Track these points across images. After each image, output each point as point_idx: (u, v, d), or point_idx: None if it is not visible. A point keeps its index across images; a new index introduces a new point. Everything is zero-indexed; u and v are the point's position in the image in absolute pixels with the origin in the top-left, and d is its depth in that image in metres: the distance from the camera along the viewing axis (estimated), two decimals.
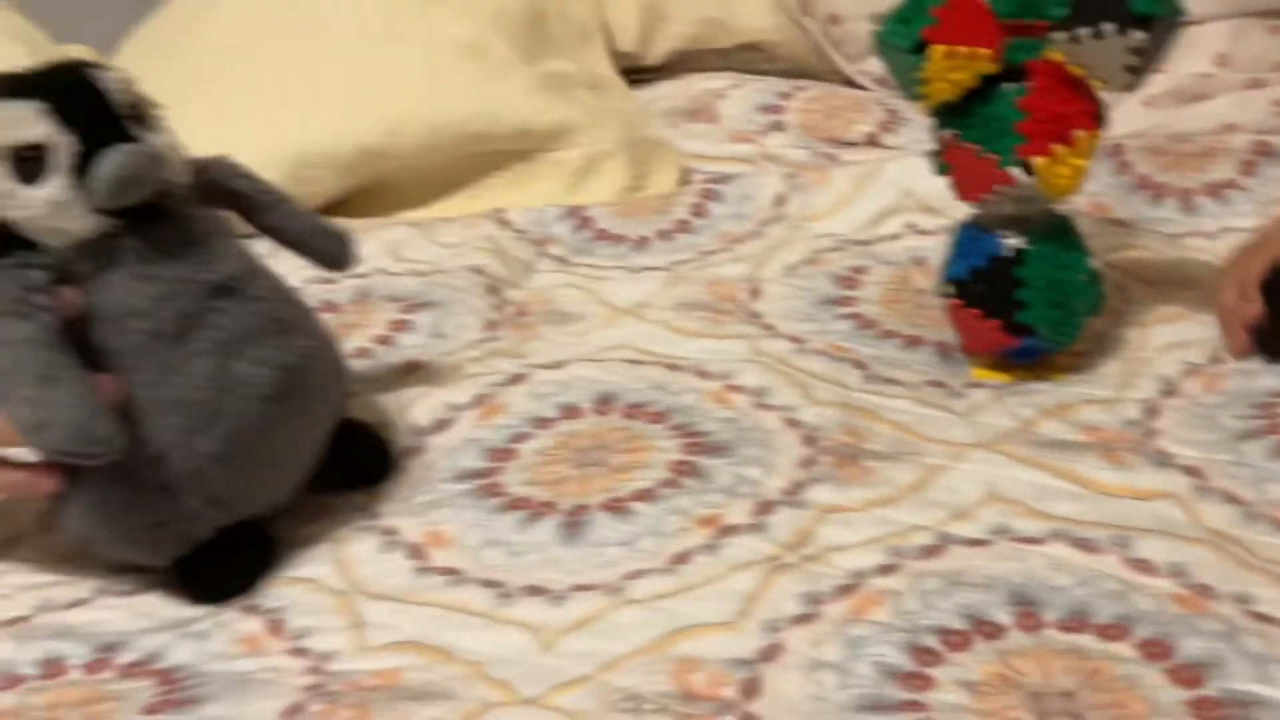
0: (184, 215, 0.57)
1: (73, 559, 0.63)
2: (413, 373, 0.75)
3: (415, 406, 0.71)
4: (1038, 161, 0.62)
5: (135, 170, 0.52)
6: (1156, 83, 0.95)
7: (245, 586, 0.58)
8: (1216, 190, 0.87)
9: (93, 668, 0.55)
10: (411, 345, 0.78)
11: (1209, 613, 0.51)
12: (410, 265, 0.89)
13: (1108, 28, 0.58)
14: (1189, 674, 0.48)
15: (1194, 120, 0.94)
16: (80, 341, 0.53)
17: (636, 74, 1.17)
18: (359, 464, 0.65)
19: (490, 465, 0.66)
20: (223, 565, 0.58)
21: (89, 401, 0.51)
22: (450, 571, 0.59)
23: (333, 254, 0.67)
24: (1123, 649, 0.50)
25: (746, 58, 1.16)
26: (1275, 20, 0.97)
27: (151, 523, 0.56)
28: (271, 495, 0.60)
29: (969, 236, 0.69)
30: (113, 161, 0.52)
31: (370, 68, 1.00)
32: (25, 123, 0.51)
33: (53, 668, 0.55)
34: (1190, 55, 0.97)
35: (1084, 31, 0.59)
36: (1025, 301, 0.66)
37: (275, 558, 0.60)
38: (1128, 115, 0.94)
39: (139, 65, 0.97)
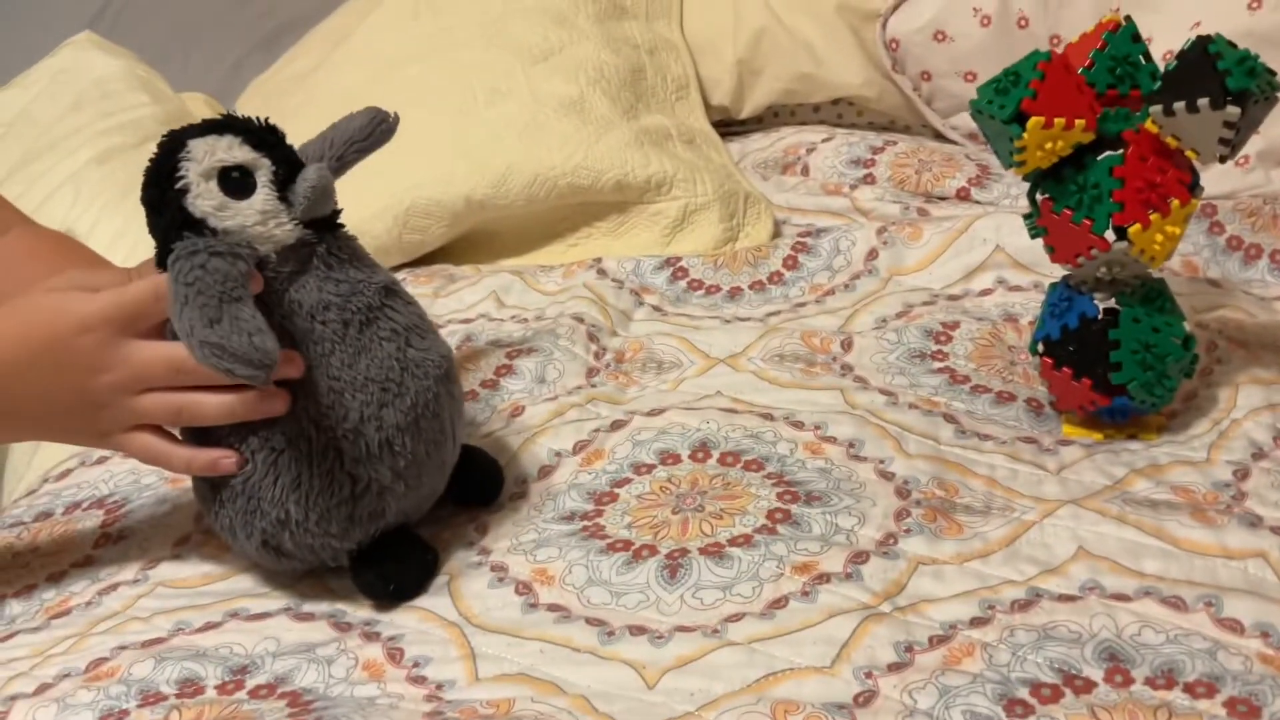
0: (347, 234, 0.66)
1: (203, 585, 0.68)
2: (518, 416, 0.79)
3: (521, 450, 0.75)
4: (1133, 229, 0.64)
5: (328, 184, 0.62)
6: (1250, 144, 0.96)
7: (417, 586, 0.64)
8: None
9: (226, 688, 0.59)
10: (517, 390, 0.82)
11: None
12: (513, 312, 0.93)
13: (1203, 103, 0.60)
14: None
15: None
16: (286, 332, 0.61)
17: (728, 126, 1.20)
18: (475, 480, 0.71)
19: (593, 508, 0.69)
20: (394, 565, 0.64)
21: (249, 325, 0.57)
22: (557, 609, 0.62)
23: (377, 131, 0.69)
24: (1211, 706, 0.51)
25: (838, 111, 1.19)
26: None
27: (349, 496, 0.62)
28: (435, 482, 0.67)
29: (1062, 296, 0.71)
30: (311, 176, 0.61)
31: (477, 124, 1.05)
32: (231, 148, 0.61)
33: (190, 687, 0.59)
34: None
35: (1179, 106, 0.61)
36: (1117, 362, 0.68)
37: (438, 564, 0.66)
38: (1221, 176, 0.95)
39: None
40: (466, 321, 0.93)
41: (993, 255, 0.91)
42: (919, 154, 1.07)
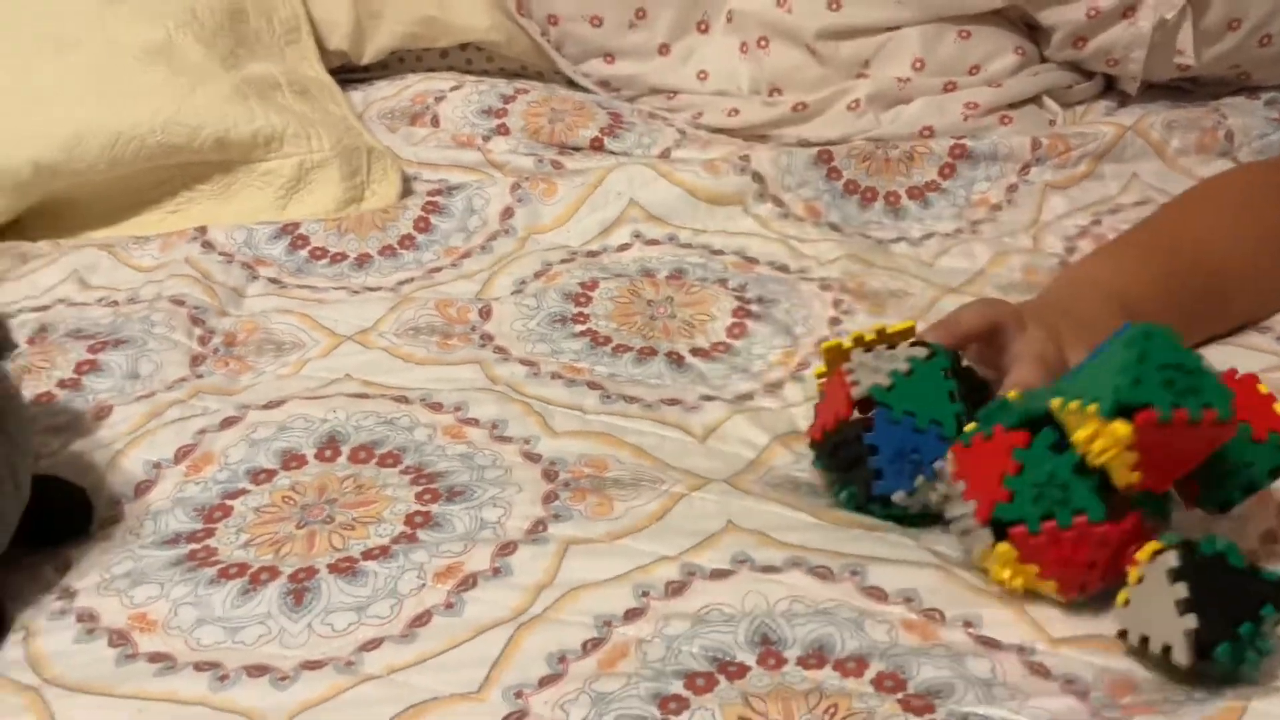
0: None
1: None
2: (103, 420, 0.68)
3: (110, 463, 0.64)
4: None
5: None
6: (859, 87, 0.99)
7: None
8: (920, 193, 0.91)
9: None
10: (103, 389, 0.70)
11: (940, 641, 0.53)
12: (100, 294, 0.80)
13: None
14: (921, 703, 0.50)
15: (895, 125, 0.98)
16: None
17: (351, 74, 1.11)
18: (55, 518, 0.59)
19: (202, 527, 0.60)
20: None
21: None
22: (161, 658, 0.53)
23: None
24: (859, 685, 0.51)
25: (467, 57, 1.12)
26: (965, 25, 1.02)
27: None
28: None
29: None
30: None
31: (44, 77, 0.90)
32: None
33: None
34: (891, 61, 1.01)
35: None
36: None
37: (7, 618, 0.55)
38: (834, 121, 0.98)
39: None
40: (41, 310, 0.79)
41: (628, 210, 0.89)
42: (551, 102, 1.03)
